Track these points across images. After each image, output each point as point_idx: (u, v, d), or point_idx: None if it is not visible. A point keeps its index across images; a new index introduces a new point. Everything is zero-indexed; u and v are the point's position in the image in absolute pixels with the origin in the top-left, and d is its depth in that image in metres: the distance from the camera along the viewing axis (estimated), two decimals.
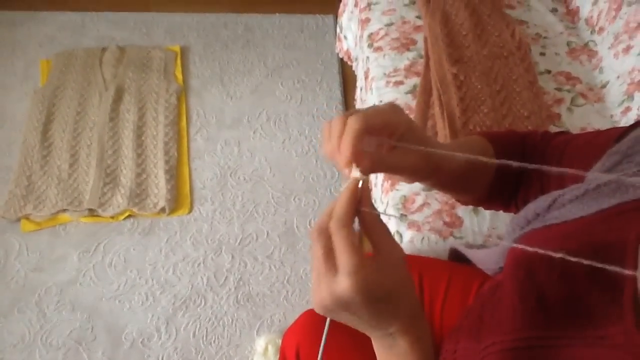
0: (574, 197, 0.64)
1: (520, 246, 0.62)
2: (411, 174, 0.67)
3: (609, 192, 0.61)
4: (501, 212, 1.25)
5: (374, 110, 0.59)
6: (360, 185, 0.54)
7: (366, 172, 0.55)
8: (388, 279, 0.51)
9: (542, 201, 0.68)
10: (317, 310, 0.52)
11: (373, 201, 1.52)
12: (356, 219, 0.53)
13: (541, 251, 0.50)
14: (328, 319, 0.55)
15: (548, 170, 0.74)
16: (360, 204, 0.53)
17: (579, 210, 0.63)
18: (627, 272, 0.46)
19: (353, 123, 0.55)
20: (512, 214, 0.87)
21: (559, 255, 0.47)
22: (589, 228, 0.61)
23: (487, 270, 0.93)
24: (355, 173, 0.55)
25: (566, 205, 0.65)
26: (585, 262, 0.45)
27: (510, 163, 0.57)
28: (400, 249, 0.54)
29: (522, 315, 0.60)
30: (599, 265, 0.45)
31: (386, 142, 0.62)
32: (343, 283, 0.48)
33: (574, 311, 0.55)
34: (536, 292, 0.60)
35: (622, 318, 0.50)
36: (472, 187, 0.82)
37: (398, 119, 0.61)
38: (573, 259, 0.46)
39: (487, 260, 0.91)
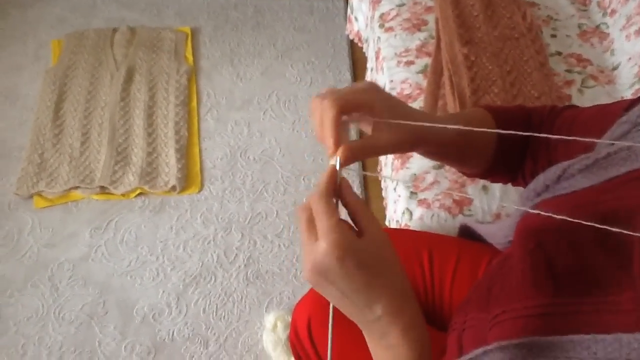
0: (583, 166, 0.64)
1: (532, 211, 0.63)
2: (394, 150, 0.68)
3: (618, 161, 0.61)
4: (511, 190, 1.27)
5: (349, 89, 0.60)
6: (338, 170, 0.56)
7: (346, 163, 0.57)
8: (371, 255, 0.52)
9: (551, 172, 0.68)
10: (308, 282, 0.53)
11: (383, 180, 1.52)
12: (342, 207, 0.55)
13: (555, 216, 0.50)
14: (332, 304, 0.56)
15: (548, 139, 0.74)
16: (341, 189, 0.55)
17: (588, 180, 0.63)
18: (638, 234, 0.46)
19: (328, 110, 0.56)
20: (521, 190, 0.87)
21: (569, 219, 0.48)
22: (597, 196, 0.61)
23: (497, 244, 0.94)
24: (333, 161, 0.57)
25: (576, 175, 0.65)
26: (597, 225, 0.46)
27: (497, 132, 0.57)
28: (385, 233, 0.55)
29: (531, 284, 0.61)
30: (611, 229, 0.45)
31: (364, 120, 0.63)
32: (320, 246, 0.50)
33: (583, 279, 0.55)
34: (545, 262, 0.61)
35: (631, 284, 0.50)
36: (471, 158, 0.81)
37: (373, 97, 0.61)
38: (586, 223, 0.47)
39: (498, 233, 0.91)
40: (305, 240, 0.52)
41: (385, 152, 0.67)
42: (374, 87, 0.62)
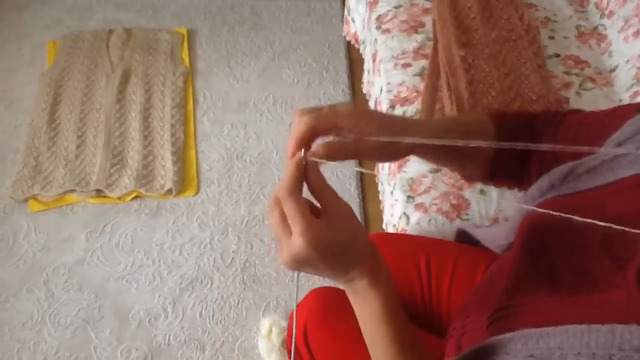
0: (590, 167, 0.64)
1: (537, 209, 0.63)
2: (380, 157, 0.69)
3: (625, 163, 0.61)
4: (508, 194, 1.26)
5: (330, 111, 0.63)
6: (304, 162, 0.60)
7: (325, 158, 0.61)
8: (338, 234, 0.57)
9: (557, 172, 0.68)
10: (285, 267, 0.59)
11: (380, 183, 1.51)
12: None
13: (561, 215, 0.50)
14: (296, 273, 0.61)
15: (554, 143, 0.74)
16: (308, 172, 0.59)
17: (594, 181, 0.63)
18: None
19: (298, 125, 0.61)
20: (520, 194, 0.87)
21: (575, 218, 0.48)
22: (603, 199, 0.61)
23: (496, 247, 0.93)
24: (300, 153, 0.61)
25: (582, 175, 0.65)
26: (601, 224, 0.46)
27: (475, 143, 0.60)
28: (347, 205, 0.59)
29: (531, 281, 0.61)
30: (615, 227, 0.46)
31: (339, 139, 0.64)
32: (297, 243, 0.55)
33: (582, 278, 0.56)
34: (546, 261, 0.61)
35: (625, 283, 0.51)
36: (469, 163, 0.81)
37: (351, 123, 0.62)
38: (595, 222, 0.47)
39: (497, 236, 0.91)
40: (281, 235, 0.57)
41: (371, 158, 0.67)
42: (355, 113, 0.63)
